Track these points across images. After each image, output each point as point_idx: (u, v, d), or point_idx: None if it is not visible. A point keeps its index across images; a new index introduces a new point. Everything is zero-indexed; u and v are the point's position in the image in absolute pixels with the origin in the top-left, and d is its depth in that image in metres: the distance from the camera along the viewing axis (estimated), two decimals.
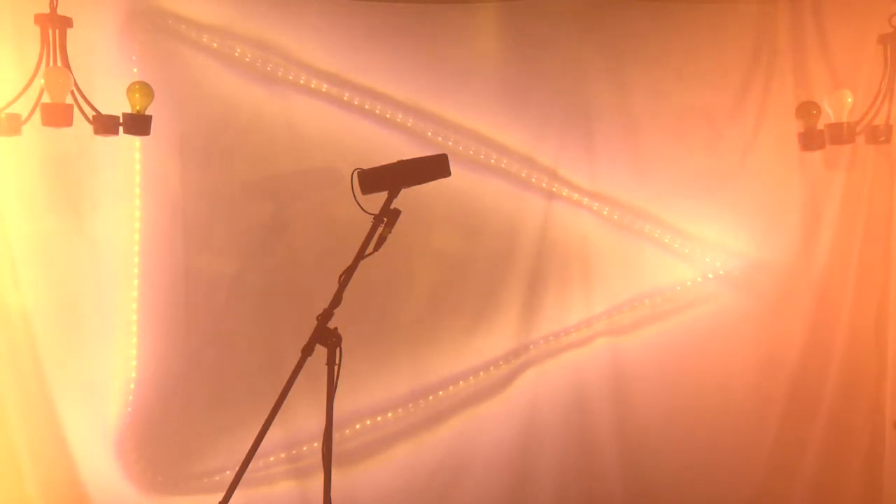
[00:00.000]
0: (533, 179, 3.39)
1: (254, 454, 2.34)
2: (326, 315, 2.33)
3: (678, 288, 3.45)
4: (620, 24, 3.32)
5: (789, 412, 3.41)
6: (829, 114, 3.05)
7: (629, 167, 3.40)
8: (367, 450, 3.34)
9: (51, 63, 2.75)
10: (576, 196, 3.41)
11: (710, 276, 3.45)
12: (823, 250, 3.36)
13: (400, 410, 3.37)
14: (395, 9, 3.25)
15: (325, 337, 2.31)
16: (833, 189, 3.35)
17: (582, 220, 3.42)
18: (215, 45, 3.15)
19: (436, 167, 2.48)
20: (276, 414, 2.35)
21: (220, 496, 2.39)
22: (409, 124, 3.31)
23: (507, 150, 3.37)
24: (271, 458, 3.25)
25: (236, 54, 3.17)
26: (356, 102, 3.26)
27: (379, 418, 3.35)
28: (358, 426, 3.33)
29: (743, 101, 3.38)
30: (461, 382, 3.40)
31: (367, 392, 3.33)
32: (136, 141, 3.04)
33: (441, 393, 3.39)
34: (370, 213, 2.40)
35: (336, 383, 2.32)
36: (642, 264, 3.45)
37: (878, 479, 3.35)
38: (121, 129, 2.85)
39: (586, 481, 3.44)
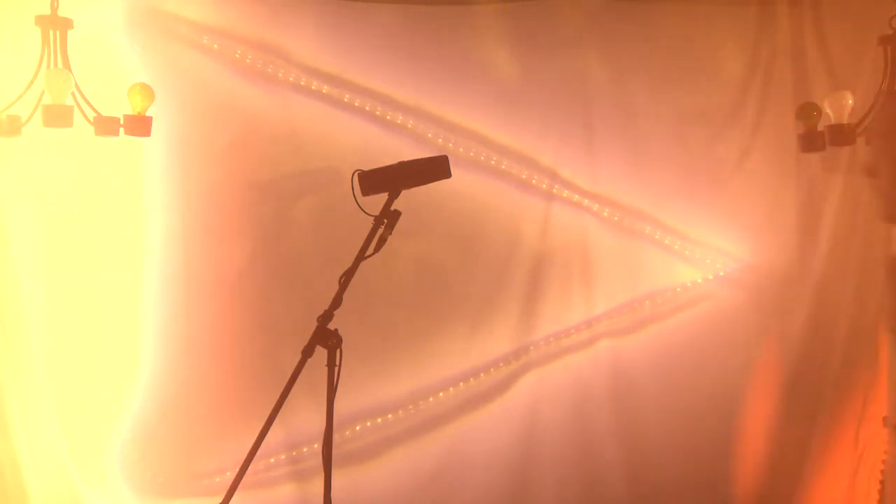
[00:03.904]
0: (533, 181, 3.39)
1: (254, 455, 2.34)
2: (327, 316, 2.32)
3: (678, 289, 3.45)
4: (620, 26, 3.32)
5: (789, 413, 3.41)
6: (830, 115, 3.05)
7: (629, 168, 3.40)
8: (368, 451, 3.34)
9: (51, 64, 2.75)
10: (576, 197, 3.41)
11: (710, 277, 3.45)
12: (823, 251, 3.36)
13: (400, 412, 3.37)
14: (396, 10, 3.25)
15: (326, 338, 2.31)
16: (832, 190, 3.35)
17: (582, 221, 3.42)
18: (216, 46, 3.15)
19: (436, 169, 2.48)
20: (276, 415, 2.35)
21: (220, 498, 2.39)
22: (409, 126, 3.31)
23: (507, 152, 3.37)
24: (272, 460, 3.25)
25: (237, 56, 3.17)
26: (356, 104, 3.26)
27: (379, 419, 3.35)
28: (358, 427, 3.33)
29: (742, 103, 3.38)
30: (462, 384, 3.40)
31: (368, 393, 3.33)
32: (137, 142, 3.05)
33: (441, 394, 3.39)
34: (370, 215, 2.40)
35: (336, 384, 2.32)
36: (642, 265, 3.45)
37: (877, 479, 3.35)
38: (121, 130, 2.85)
39: (587, 482, 3.44)
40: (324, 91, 3.24)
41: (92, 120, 2.83)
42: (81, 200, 3.03)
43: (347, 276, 2.35)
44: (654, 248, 3.44)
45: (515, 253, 3.38)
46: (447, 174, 2.49)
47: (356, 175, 2.44)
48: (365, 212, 2.41)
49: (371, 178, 2.43)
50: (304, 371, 2.34)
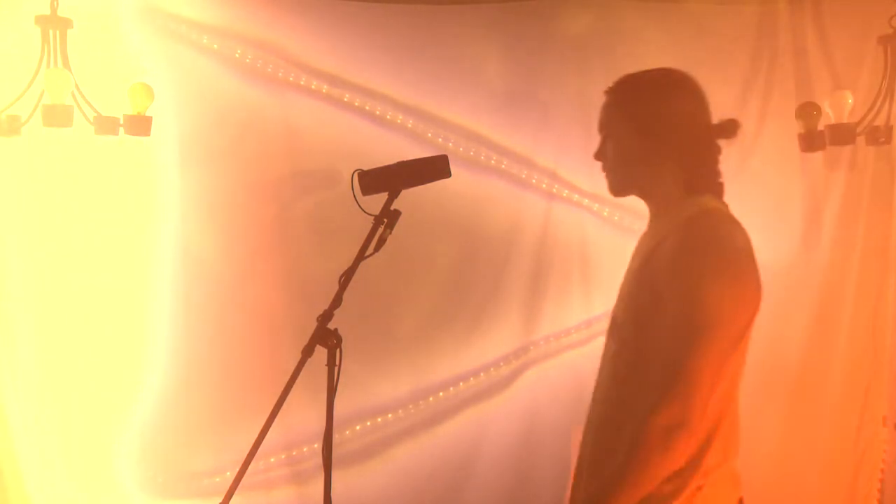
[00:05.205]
0: (533, 180, 3.39)
1: (254, 455, 2.34)
2: (327, 316, 2.32)
3: None
4: (621, 26, 3.32)
5: (789, 413, 3.41)
6: (830, 115, 3.05)
7: None
8: (368, 451, 3.34)
9: (51, 64, 2.75)
10: (576, 197, 3.41)
11: None
12: (824, 251, 3.36)
13: (400, 411, 3.37)
14: (396, 10, 3.25)
15: (326, 338, 2.30)
16: (833, 190, 3.35)
17: (582, 221, 3.42)
18: (216, 46, 3.15)
19: (436, 168, 2.46)
20: (276, 415, 2.34)
21: (220, 498, 2.39)
22: (409, 125, 3.31)
23: (507, 151, 3.37)
24: (272, 460, 3.25)
25: (236, 55, 3.17)
26: (356, 103, 3.26)
27: (379, 419, 3.35)
28: (358, 427, 3.33)
29: (744, 103, 3.38)
30: (462, 383, 3.40)
31: (368, 393, 3.33)
32: (137, 142, 3.05)
33: (442, 394, 3.39)
34: (370, 214, 2.39)
35: (336, 384, 2.31)
36: None
37: (877, 479, 3.35)
38: (121, 129, 2.85)
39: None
40: (324, 91, 3.24)
41: (92, 119, 2.83)
42: (81, 201, 3.03)
43: (347, 275, 2.34)
44: None
45: (515, 252, 3.38)
46: (447, 174, 2.48)
47: (356, 175, 2.43)
48: (365, 211, 2.40)
49: (371, 178, 2.43)
50: (303, 371, 2.33)
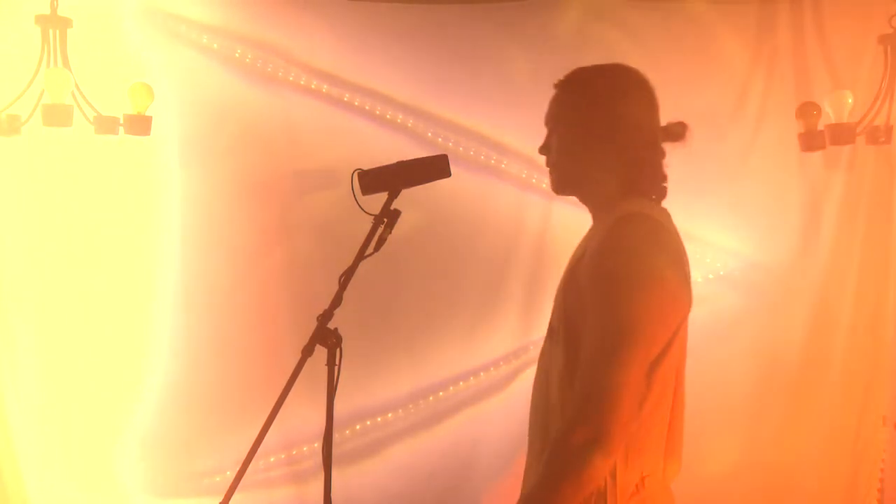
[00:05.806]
0: (533, 180, 3.38)
1: (254, 454, 2.34)
2: (327, 315, 2.31)
3: None
4: (620, 25, 3.32)
5: (789, 413, 3.41)
6: (830, 114, 3.04)
7: None
8: (368, 450, 3.34)
9: (51, 64, 2.76)
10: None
11: (711, 276, 3.45)
12: (824, 251, 3.36)
13: (400, 411, 3.37)
14: (395, 9, 3.25)
15: (326, 337, 2.30)
16: (833, 190, 3.35)
17: (582, 220, 3.40)
18: (215, 45, 3.16)
19: (436, 168, 2.46)
20: (276, 414, 2.34)
21: (220, 497, 2.38)
22: (409, 125, 3.31)
23: (507, 151, 3.37)
24: (271, 459, 3.25)
25: (236, 55, 3.18)
26: (356, 103, 3.26)
27: (379, 419, 3.35)
28: (358, 427, 3.33)
29: (743, 102, 3.38)
30: (462, 383, 3.40)
31: (368, 392, 3.33)
32: (137, 142, 3.05)
33: (442, 393, 3.39)
34: (370, 214, 2.39)
35: (336, 384, 2.31)
36: None
37: (877, 479, 3.35)
38: (121, 129, 2.86)
39: None
40: (323, 90, 3.25)
41: (92, 119, 2.83)
42: (81, 200, 3.04)
43: (347, 275, 2.34)
44: None
45: (515, 252, 3.38)
46: (447, 173, 2.48)
47: (356, 174, 2.43)
48: (365, 211, 2.40)
49: (370, 178, 2.42)
50: (303, 371, 2.33)
